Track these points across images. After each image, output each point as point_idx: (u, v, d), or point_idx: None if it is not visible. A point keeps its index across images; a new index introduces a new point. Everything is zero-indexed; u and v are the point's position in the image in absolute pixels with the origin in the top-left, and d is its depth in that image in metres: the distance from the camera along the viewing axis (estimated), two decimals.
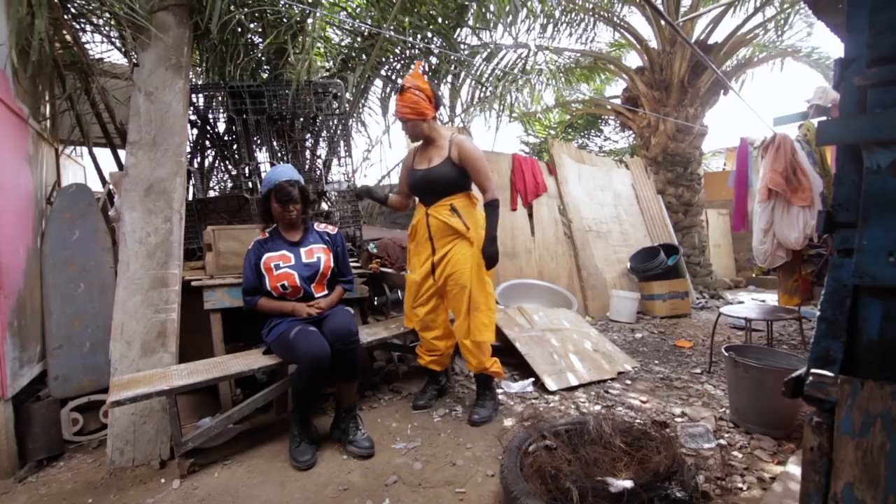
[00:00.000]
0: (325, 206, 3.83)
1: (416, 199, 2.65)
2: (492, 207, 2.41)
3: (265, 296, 2.26)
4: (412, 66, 2.76)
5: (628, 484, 1.37)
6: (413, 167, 2.55)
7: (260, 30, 3.63)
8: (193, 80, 3.60)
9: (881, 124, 0.85)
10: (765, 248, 3.73)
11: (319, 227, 2.44)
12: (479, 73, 5.37)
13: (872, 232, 0.88)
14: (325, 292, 2.35)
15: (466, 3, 4.34)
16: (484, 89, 5.38)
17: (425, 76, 4.80)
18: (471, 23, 4.63)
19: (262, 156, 3.59)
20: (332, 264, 2.35)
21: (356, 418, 2.22)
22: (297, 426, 2.10)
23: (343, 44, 4.54)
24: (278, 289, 2.23)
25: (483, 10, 4.49)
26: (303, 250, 2.29)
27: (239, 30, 3.17)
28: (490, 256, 2.39)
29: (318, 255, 2.31)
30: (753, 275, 7.39)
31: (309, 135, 3.93)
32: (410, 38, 4.19)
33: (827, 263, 3.65)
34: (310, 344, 2.00)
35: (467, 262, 2.42)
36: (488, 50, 5.37)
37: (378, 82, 4.71)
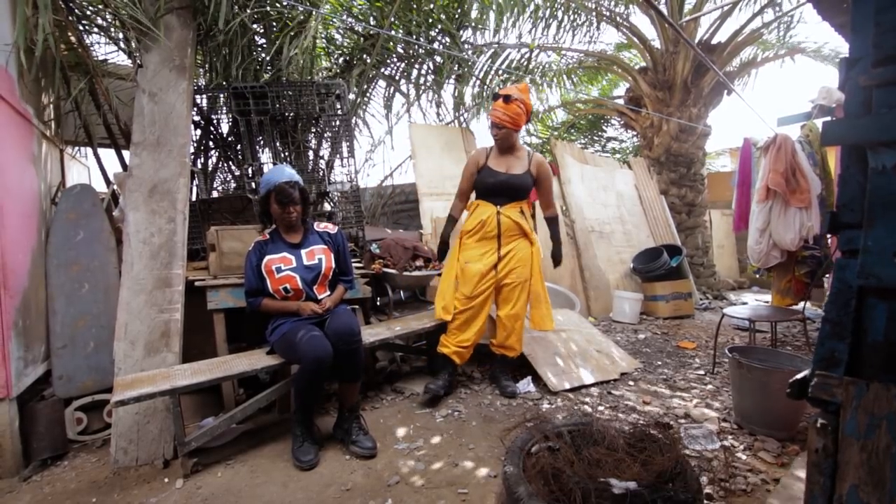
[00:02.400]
0: (327, 206, 3.84)
1: (478, 197, 2.83)
2: (556, 220, 2.92)
3: (268, 297, 2.26)
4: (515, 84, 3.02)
5: (631, 485, 1.37)
6: (489, 167, 2.75)
7: (262, 30, 3.65)
8: (197, 81, 3.61)
9: (887, 125, 0.85)
10: (760, 247, 3.73)
11: (319, 226, 2.41)
12: (482, 72, 5.37)
13: (877, 233, 0.87)
14: (328, 293, 2.35)
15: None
16: (488, 88, 5.38)
17: (429, 77, 4.82)
18: (473, 22, 4.63)
19: (265, 156, 3.61)
20: (333, 265, 2.34)
21: (359, 418, 2.23)
22: (300, 426, 2.10)
23: (345, 44, 4.55)
24: (280, 291, 2.22)
25: (486, 9, 4.49)
26: (304, 252, 2.28)
27: (241, 31, 3.17)
28: (560, 257, 2.93)
29: (319, 256, 2.30)
30: (757, 275, 7.35)
31: (312, 135, 3.94)
32: (412, 38, 4.19)
33: (821, 265, 3.67)
34: (312, 344, 2.00)
35: (529, 258, 2.75)
36: (492, 49, 5.37)
37: (381, 82, 4.72)
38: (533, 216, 5.02)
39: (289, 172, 2.25)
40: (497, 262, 2.72)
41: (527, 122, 2.82)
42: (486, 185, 2.75)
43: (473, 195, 2.88)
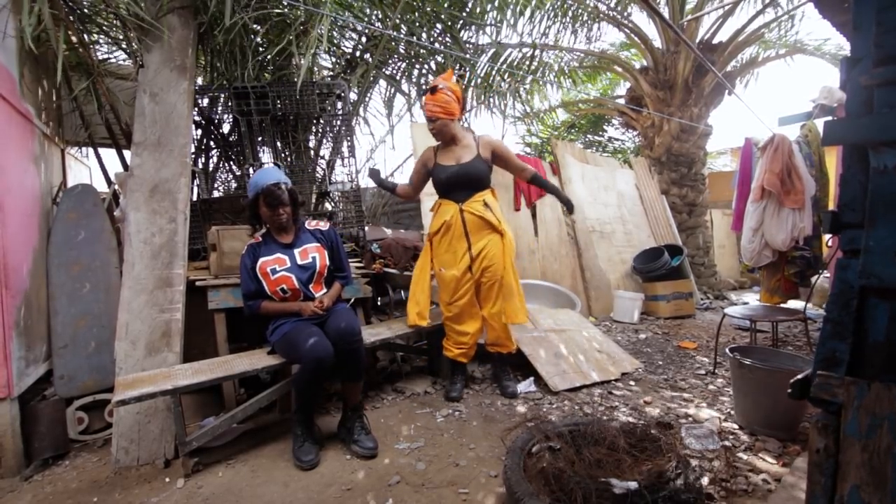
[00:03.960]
0: (328, 206, 3.84)
1: (439, 196, 2.76)
2: (537, 175, 2.81)
3: (266, 299, 2.25)
4: (444, 71, 2.89)
5: (632, 485, 1.37)
6: (439, 164, 2.69)
7: (263, 31, 3.64)
8: (198, 80, 3.62)
9: (888, 124, 0.85)
10: (752, 246, 3.74)
11: (311, 224, 2.38)
12: (483, 72, 5.37)
13: (879, 232, 0.87)
14: (324, 291, 2.33)
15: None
16: (490, 88, 5.37)
17: (430, 77, 4.82)
18: (474, 19, 4.62)
19: (266, 156, 3.61)
20: (327, 262, 2.32)
21: (362, 418, 2.22)
22: (300, 426, 2.10)
23: (347, 44, 4.54)
24: (278, 293, 2.21)
25: (488, 7, 4.48)
26: (297, 251, 2.25)
27: (243, 31, 3.17)
28: (570, 203, 2.80)
29: (313, 254, 2.27)
30: (750, 273, 7.35)
31: (312, 135, 3.94)
32: (414, 38, 4.19)
33: (810, 265, 3.69)
34: (313, 344, 1.99)
35: (501, 254, 2.65)
36: (493, 49, 5.36)
37: (382, 82, 4.71)
38: (533, 215, 5.03)
39: (276, 174, 2.21)
40: (471, 262, 2.65)
41: (463, 111, 2.75)
42: (441, 182, 2.69)
43: (436, 196, 2.82)
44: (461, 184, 2.65)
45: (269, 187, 2.15)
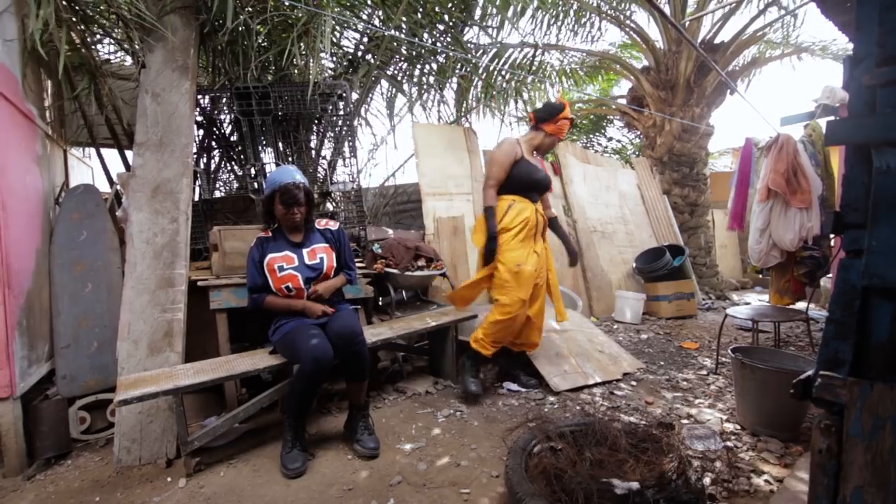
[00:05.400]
0: (329, 206, 3.84)
1: (513, 193, 2.73)
2: (557, 219, 3.02)
3: (271, 294, 2.24)
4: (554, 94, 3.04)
5: (634, 486, 1.36)
6: (528, 161, 2.74)
7: (265, 31, 3.65)
8: (200, 81, 3.62)
9: (891, 124, 0.84)
10: (760, 247, 3.72)
11: (321, 224, 2.39)
12: (485, 72, 5.37)
13: (882, 232, 0.87)
14: None
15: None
16: (491, 88, 5.37)
17: (431, 77, 4.83)
18: (478, 19, 4.62)
19: (267, 157, 3.61)
20: (334, 264, 2.33)
21: (366, 417, 2.22)
22: (291, 431, 2.06)
23: (349, 45, 4.55)
24: (283, 290, 2.21)
25: (490, 7, 4.48)
26: (305, 251, 2.26)
27: (243, 30, 3.18)
28: (576, 255, 3.01)
29: (321, 255, 2.28)
30: (760, 275, 7.33)
31: (314, 136, 3.95)
32: (416, 39, 4.19)
33: (819, 265, 3.67)
34: (312, 344, 1.98)
35: (547, 257, 2.84)
36: (495, 49, 5.36)
37: (383, 82, 4.71)
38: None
39: (294, 173, 2.23)
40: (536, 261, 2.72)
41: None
42: (531, 181, 2.71)
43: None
44: (542, 188, 2.79)
45: (287, 186, 2.15)
